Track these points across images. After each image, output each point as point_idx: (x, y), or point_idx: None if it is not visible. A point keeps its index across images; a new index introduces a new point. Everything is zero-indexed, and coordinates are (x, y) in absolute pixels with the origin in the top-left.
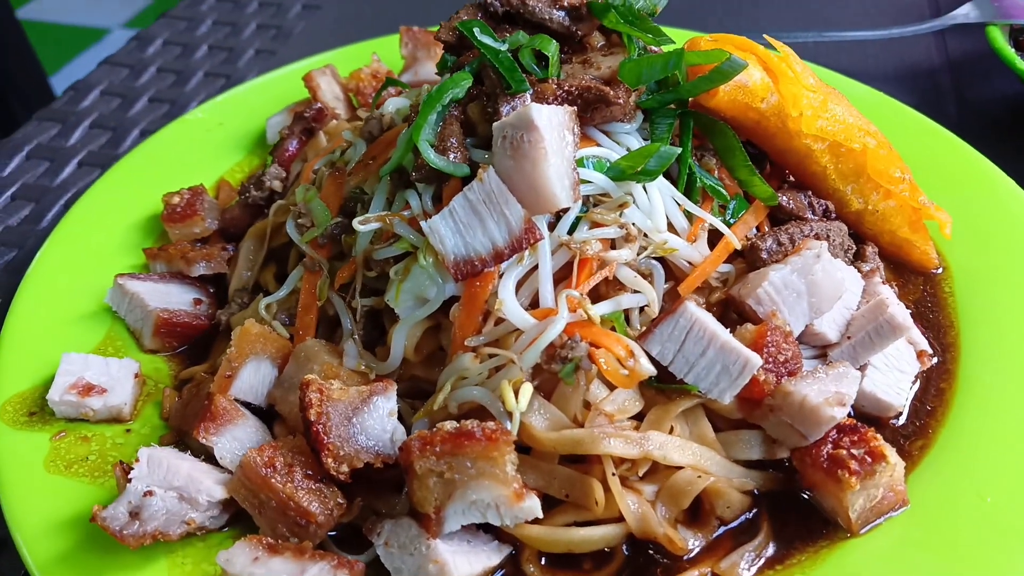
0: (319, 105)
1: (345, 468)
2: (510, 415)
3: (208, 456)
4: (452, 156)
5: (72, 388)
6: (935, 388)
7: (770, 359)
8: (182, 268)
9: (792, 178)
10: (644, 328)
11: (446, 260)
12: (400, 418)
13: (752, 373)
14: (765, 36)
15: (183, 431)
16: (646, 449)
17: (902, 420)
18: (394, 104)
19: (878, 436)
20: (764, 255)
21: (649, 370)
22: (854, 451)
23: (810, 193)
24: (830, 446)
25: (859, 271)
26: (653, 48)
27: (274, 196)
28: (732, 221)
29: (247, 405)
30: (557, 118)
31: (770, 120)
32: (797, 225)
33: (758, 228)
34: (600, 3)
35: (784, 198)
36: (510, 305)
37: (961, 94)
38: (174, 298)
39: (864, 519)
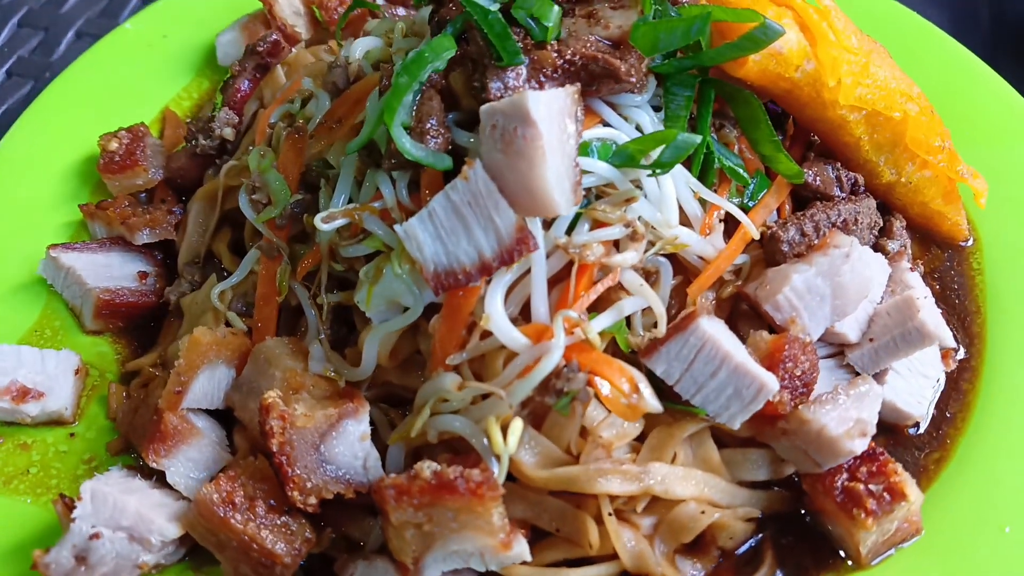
0: (275, 36)
1: (313, 500)
2: (497, 457)
3: (161, 475)
4: (432, 141)
5: (5, 393)
6: (957, 389)
7: (786, 375)
8: (124, 234)
9: (816, 138)
10: (648, 335)
11: (424, 270)
12: (373, 429)
13: (767, 398)
14: None
15: (132, 440)
16: (647, 484)
17: (921, 428)
18: (362, 47)
19: (898, 469)
20: (785, 247)
21: (655, 408)
22: (872, 486)
23: (838, 165)
24: (845, 475)
25: (885, 252)
26: None
27: (226, 145)
28: (751, 204)
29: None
30: (557, 105)
31: (803, 89)
32: (823, 209)
33: (779, 210)
34: None
35: (810, 174)
36: (498, 321)
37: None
38: (116, 271)
39: (875, 553)
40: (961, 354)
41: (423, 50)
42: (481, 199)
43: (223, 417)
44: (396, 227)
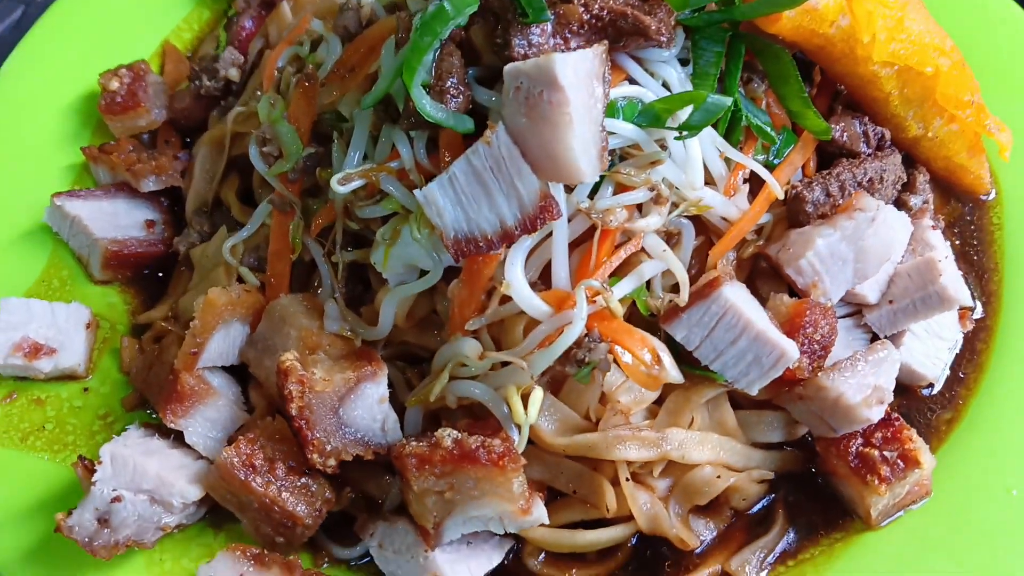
0: None
1: (332, 462)
2: (517, 426)
3: (179, 434)
4: (452, 100)
5: (17, 350)
6: (971, 348)
7: (806, 340)
8: (129, 181)
9: (843, 88)
10: (668, 299)
11: (444, 236)
12: (390, 389)
13: (787, 366)
14: None
15: (147, 397)
16: (664, 450)
17: (935, 389)
18: None
19: (913, 436)
20: (810, 208)
21: (677, 378)
22: (886, 452)
23: (866, 119)
24: (860, 441)
25: (907, 207)
26: None
27: (231, 86)
28: (776, 162)
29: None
30: (585, 68)
31: (836, 45)
32: (849, 168)
33: (803, 167)
34: None
35: (837, 129)
36: (519, 288)
37: None
38: (122, 219)
39: (884, 515)
40: (978, 313)
41: (443, 5)
42: (503, 165)
43: (237, 372)
44: (416, 192)
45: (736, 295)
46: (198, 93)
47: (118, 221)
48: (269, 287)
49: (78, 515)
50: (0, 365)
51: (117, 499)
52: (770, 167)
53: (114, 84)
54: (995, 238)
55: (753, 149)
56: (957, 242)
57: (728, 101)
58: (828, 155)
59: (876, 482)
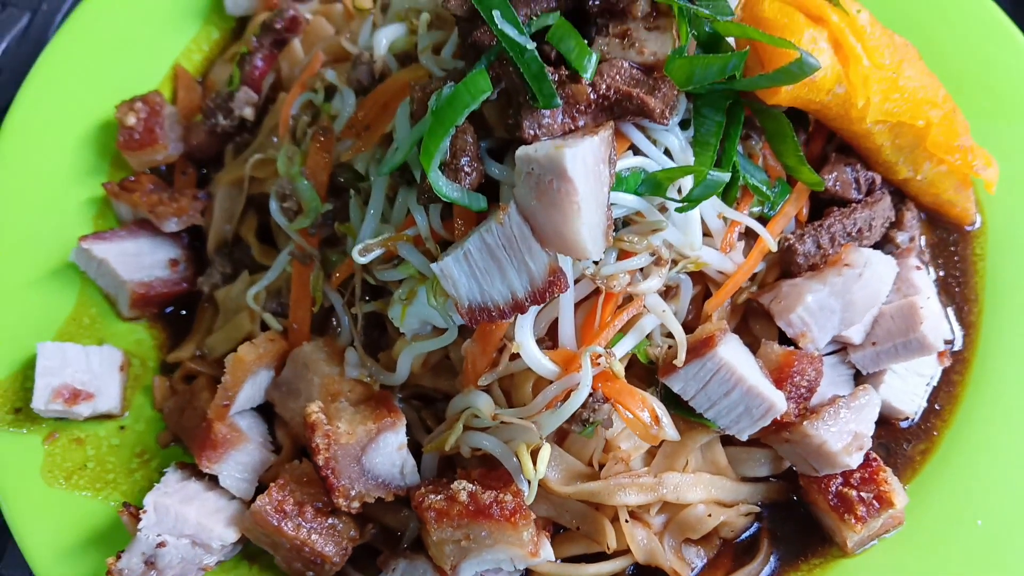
0: (291, 12)
1: (356, 504)
2: (527, 480)
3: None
4: (466, 177)
5: (57, 396)
6: (948, 380)
7: (793, 388)
8: (151, 219)
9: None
10: (666, 348)
11: (459, 306)
12: (408, 431)
13: (775, 416)
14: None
15: (180, 437)
16: (660, 494)
17: (913, 421)
18: (386, 39)
19: (888, 477)
20: (801, 260)
21: (673, 437)
22: (863, 493)
23: (858, 166)
24: (840, 480)
25: (894, 243)
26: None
27: (245, 124)
28: (771, 213)
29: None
30: (593, 157)
31: (832, 109)
32: (839, 219)
33: (797, 217)
34: None
35: (830, 179)
36: (528, 349)
37: None
38: (146, 260)
39: (860, 544)
40: (956, 344)
41: (460, 91)
42: (515, 243)
43: (263, 408)
44: (432, 265)
45: (729, 353)
46: (213, 129)
47: (142, 261)
48: (292, 332)
49: (127, 559)
50: (43, 410)
51: (162, 544)
52: (765, 218)
53: (131, 120)
54: (977, 268)
55: (749, 203)
56: (941, 272)
57: (726, 177)
58: (821, 200)
59: (853, 521)
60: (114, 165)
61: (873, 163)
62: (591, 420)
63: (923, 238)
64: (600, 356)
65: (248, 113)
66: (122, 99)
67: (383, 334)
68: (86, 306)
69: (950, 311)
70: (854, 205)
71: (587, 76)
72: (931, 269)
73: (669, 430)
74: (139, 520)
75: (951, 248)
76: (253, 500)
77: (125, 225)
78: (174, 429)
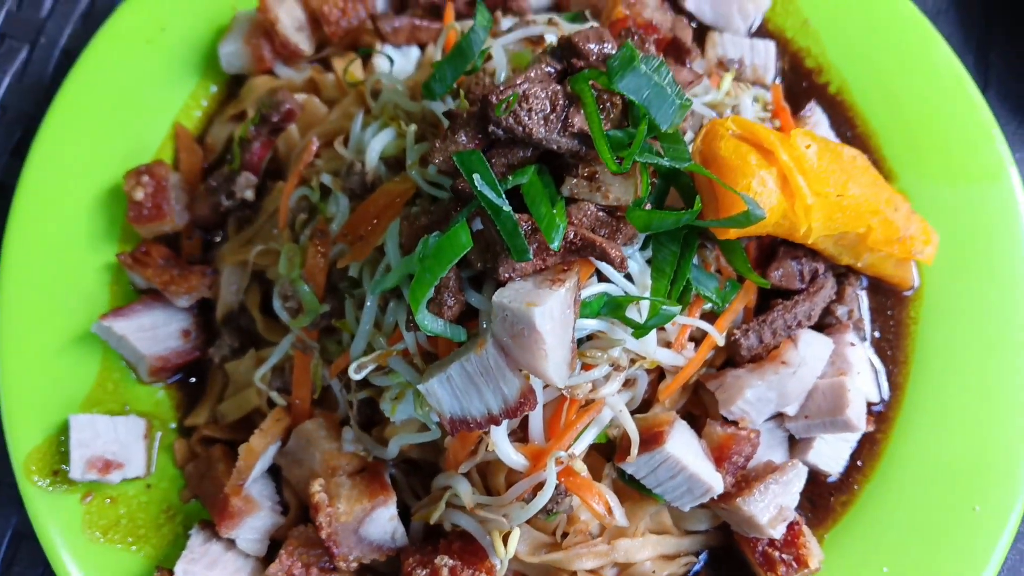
0: (288, 105)
1: (355, 565)
2: (500, 559)
3: None
4: (448, 311)
5: (92, 467)
6: (871, 439)
7: (731, 465)
8: (164, 293)
9: None
10: (624, 433)
11: (442, 418)
12: (395, 485)
13: (712, 496)
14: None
15: (201, 500)
16: (613, 558)
17: (836, 477)
18: (379, 143)
19: (807, 542)
20: (744, 352)
21: (623, 524)
22: (784, 555)
23: (802, 259)
24: (766, 541)
25: (834, 316)
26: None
27: (246, 204)
28: (721, 309)
29: None
30: (560, 308)
31: (777, 231)
32: (782, 314)
33: (745, 307)
34: (619, 137)
35: (776, 275)
36: (502, 447)
37: None
38: (161, 332)
39: None
40: (880, 406)
41: (444, 246)
42: (491, 371)
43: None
44: (419, 386)
45: (675, 446)
46: (216, 205)
47: (158, 334)
48: (295, 407)
49: None
50: (79, 479)
51: None
52: (716, 314)
53: (139, 195)
54: (910, 331)
55: (701, 305)
56: (877, 335)
57: (676, 310)
58: (767, 292)
59: None
60: (124, 231)
61: (818, 254)
62: (555, 511)
63: (864, 305)
64: (564, 461)
65: (249, 195)
66: (126, 161)
67: (376, 410)
68: (109, 371)
69: (881, 373)
70: (796, 298)
71: (554, 246)
72: (868, 335)
73: (620, 519)
74: None
75: (888, 312)
76: (267, 557)
77: (141, 299)
78: (195, 491)
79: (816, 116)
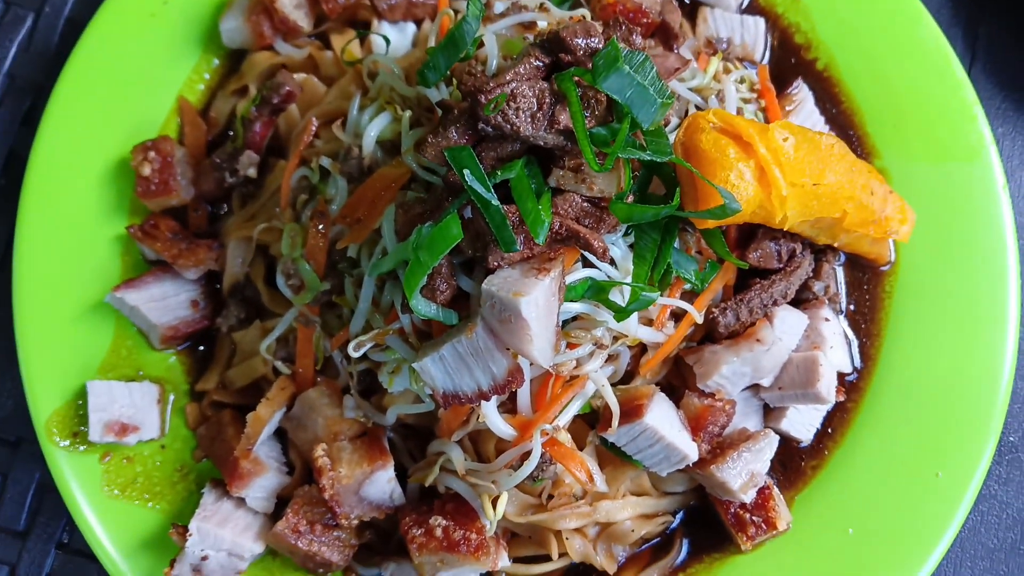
0: (287, 88)
1: (356, 522)
2: (489, 520)
3: None
4: (440, 295)
5: (109, 431)
6: (841, 408)
7: (707, 434)
8: (173, 266)
9: None
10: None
11: (435, 393)
12: (392, 448)
13: (688, 464)
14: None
15: (212, 461)
16: (595, 518)
17: (807, 443)
18: (375, 128)
19: (776, 505)
20: (722, 330)
21: (604, 490)
22: (754, 517)
23: (780, 240)
24: (737, 504)
25: (811, 292)
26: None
27: (249, 181)
28: (700, 289)
29: None
30: (545, 297)
31: (755, 218)
32: (758, 293)
33: (724, 289)
34: (602, 134)
35: (755, 256)
36: (491, 417)
37: None
38: (171, 302)
39: (753, 545)
40: (853, 376)
41: (436, 237)
42: (481, 352)
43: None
44: (413, 364)
45: (654, 418)
46: (221, 181)
47: (168, 304)
48: (298, 375)
49: (179, 568)
50: (97, 441)
51: (204, 557)
52: (696, 291)
53: (146, 170)
54: (884, 305)
55: (681, 286)
56: (851, 307)
57: (656, 296)
58: (746, 270)
59: (744, 539)
60: (133, 203)
61: (796, 235)
62: (540, 477)
63: (841, 279)
64: (550, 434)
65: (252, 173)
66: (134, 133)
67: (376, 379)
68: (123, 338)
69: (855, 345)
70: (773, 277)
71: (539, 240)
72: (843, 307)
73: (600, 485)
74: (186, 538)
75: (864, 287)
76: (274, 514)
77: (151, 270)
78: (206, 452)
79: (802, 94)
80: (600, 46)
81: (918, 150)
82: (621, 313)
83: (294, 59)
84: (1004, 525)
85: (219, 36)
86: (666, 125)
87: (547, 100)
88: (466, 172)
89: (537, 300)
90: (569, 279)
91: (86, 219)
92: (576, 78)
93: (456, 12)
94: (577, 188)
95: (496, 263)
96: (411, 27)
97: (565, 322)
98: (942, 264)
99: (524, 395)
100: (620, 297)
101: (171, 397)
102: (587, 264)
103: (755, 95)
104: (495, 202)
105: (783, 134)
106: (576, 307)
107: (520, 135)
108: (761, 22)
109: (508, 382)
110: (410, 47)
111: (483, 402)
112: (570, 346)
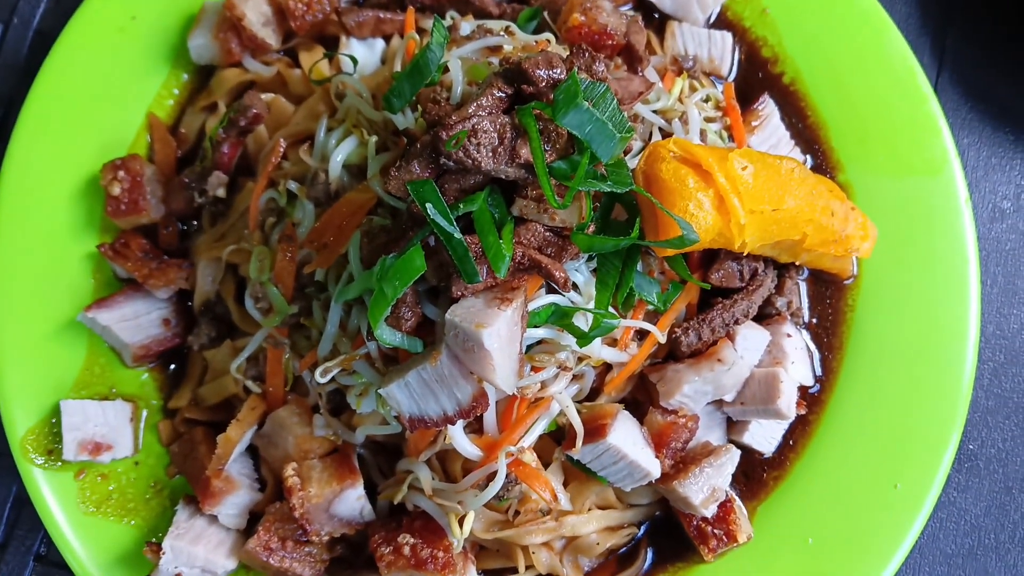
0: (254, 111)
1: (326, 538)
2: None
3: None
4: (405, 323)
5: (83, 449)
6: (803, 420)
7: (669, 450)
8: (144, 286)
9: None
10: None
11: (401, 417)
12: (362, 464)
13: (651, 480)
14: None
15: (185, 477)
16: (561, 532)
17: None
18: (341, 153)
19: (738, 518)
20: (684, 349)
21: (567, 507)
22: (716, 530)
23: (743, 261)
24: (700, 518)
25: (773, 307)
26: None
27: (218, 200)
28: (663, 310)
29: None
30: (507, 328)
31: (713, 245)
32: (720, 312)
33: (687, 308)
34: (562, 168)
35: (717, 275)
36: (458, 439)
37: None
38: (143, 320)
39: (716, 555)
40: (815, 388)
41: (399, 268)
42: (446, 379)
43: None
44: (380, 390)
45: (618, 437)
46: (191, 200)
47: (139, 322)
48: (269, 395)
49: None
50: (72, 460)
51: (179, 574)
52: (660, 312)
53: (116, 190)
54: (846, 318)
55: (644, 308)
56: (814, 320)
57: (617, 323)
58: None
59: (706, 551)
60: (104, 221)
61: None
62: (506, 497)
63: (803, 292)
64: (514, 455)
65: (221, 193)
66: (104, 150)
67: (345, 398)
68: (96, 356)
69: (816, 358)
70: (736, 296)
71: (500, 275)
72: (806, 320)
73: (565, 504)
74: (160, 556)
75: (827, 300)
76: (247, 529)
77: (122, 289)
78: (179, 469)
79: (768, 108)
80: (562, 77)
81: (881, 164)
82: (584, 339)
83: (263, 76)
84: (962, 531)
85: (188, 51)
86: (628, 152)
87: (508, 134)
88: (428, 205)
89: (499, 331)
90: (533, 305)
91: (58, 237)
92: (537, 111)
93: (422, 33)
94: (539, 218)
95: (460, 292)
96: (380, 43)
97: (530, 347)
98: (904, 278)
99: (490, 416)
100: (584, 321)
101: (144, 414)
102: (551, 290)
103: (720, 113)
104: (457, 235)
105: (742, 163)
106: (540, 332)
107: (481, 169)
108: (728, 36)
109: (473, 407)
110: (379, 63)
111: (451, 425)
112: (535, 369)
